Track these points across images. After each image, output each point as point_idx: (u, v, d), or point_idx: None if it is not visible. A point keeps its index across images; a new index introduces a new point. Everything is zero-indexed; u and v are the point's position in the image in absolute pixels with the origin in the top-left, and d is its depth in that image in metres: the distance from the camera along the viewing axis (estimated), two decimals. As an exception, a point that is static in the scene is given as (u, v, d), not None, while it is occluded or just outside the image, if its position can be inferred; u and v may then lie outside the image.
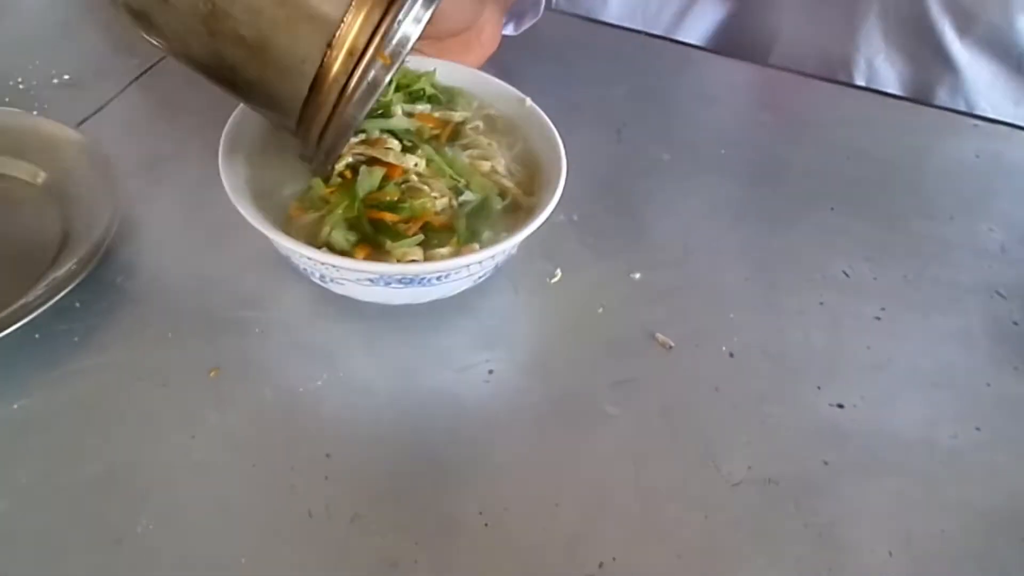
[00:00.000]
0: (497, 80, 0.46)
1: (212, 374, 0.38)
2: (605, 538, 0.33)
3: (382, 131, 0.41)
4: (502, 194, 0.41)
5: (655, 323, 0.42)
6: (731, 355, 0.41)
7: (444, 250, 0.37)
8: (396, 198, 0.38)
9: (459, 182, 0.40)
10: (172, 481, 0.34)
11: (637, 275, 0.44)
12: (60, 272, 0.39)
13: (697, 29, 0.73)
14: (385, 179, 0.38)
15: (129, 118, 0.51)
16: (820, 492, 0.35)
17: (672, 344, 0.41)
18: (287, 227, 0.38)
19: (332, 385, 0.38)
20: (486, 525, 0.33)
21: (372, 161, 0.39)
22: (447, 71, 0.46)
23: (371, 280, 0.36)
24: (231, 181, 0.38)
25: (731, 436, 0.37)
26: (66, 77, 0.53)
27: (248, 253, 0.43)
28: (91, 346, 0.38)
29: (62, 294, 0.37)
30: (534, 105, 0.45)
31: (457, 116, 0.44)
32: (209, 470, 0.34)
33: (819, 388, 0.40)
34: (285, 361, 0.39)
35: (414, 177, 0.39)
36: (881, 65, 0.62)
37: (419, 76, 0.44)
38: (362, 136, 0.40)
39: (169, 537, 0.32)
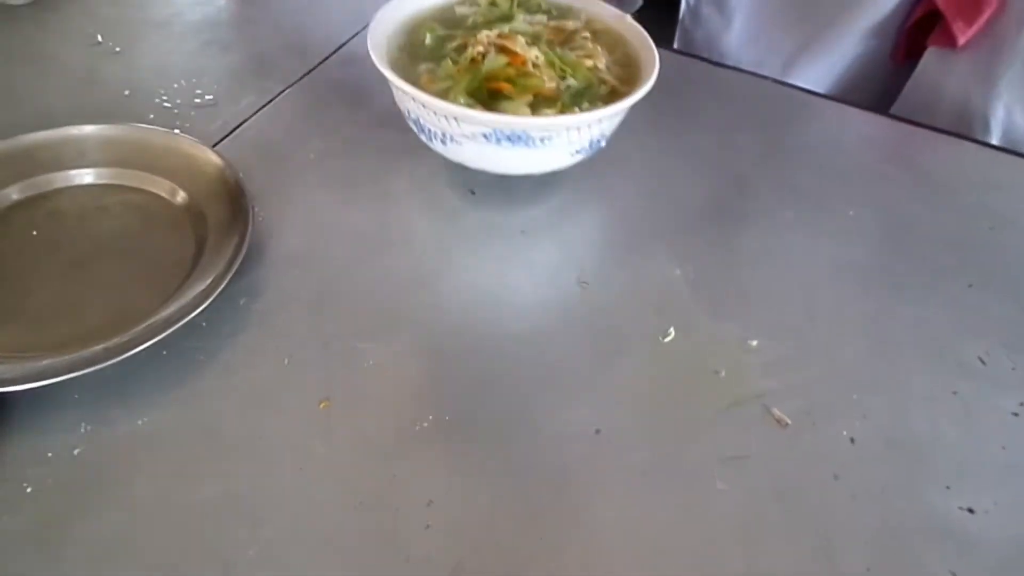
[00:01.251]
0: (598, 1, 0.54)
1: (323, 405, 0.39)
2: (708, 627, 0.32)
3: (511, 30, 0.49)
4: (603, 83, 0.48)
5: (771, 396, 0.40)
6: (852, 440, 0.39)
7: (549, 111, 0.45)
8: (514, 77, 0.46)
9: (566, 72, 0.47)
10: (280, 512, 0.35)
11: (754, 342, 0.43)
12: (192, 292, 0.41)
13: (816, 68, 0.70)
14: (508, 65, 0.46)
15: (263, 140, 0.53)
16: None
17: (789, 421, 0.39)
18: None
19: (437, 427, 0.38)
20: (586, 597, 0.32)
21: (501, 50, 0.47)
22: None
23: (485, 136, 0.43)
24: (377, 51, 0.45)
25: (849, 531, 0.35)
26: (208, 97, 0.56)
27: (368, 285, 0.44)
28: (215, 367, 0.40)
29: (193, 314, 0.39)
30: (633, 21, 0.51)
31: (570, 25, 0.52)
32: (315, 504, 0.35)
33: (948, 488, 0.37)
34: (394, 399, 0.39)
35: (531, 66, 0.47)
36: (1020, 117, 0.58)
37: None
38: (497, 31, 0.49)
39: (275, 569, 0.33)
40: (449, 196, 0.50)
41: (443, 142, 0.46)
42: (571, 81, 0.47)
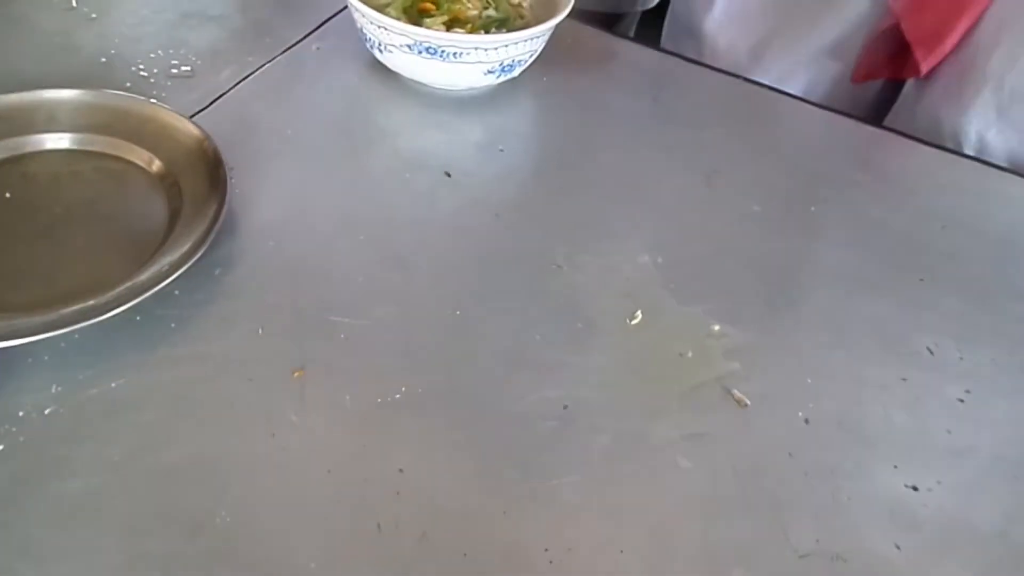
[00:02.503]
0: None
1: (296, 375, 0.39)
2: (666, 592, 0.33)
3: None
4: (521, 18, 0.57)
5: (731, 378, 0.42)
6: (806, 421, 0.40)
7: (461, 31, 0.53)
8: (441, 1, 0.55)
9: (490, 4, 0.56)
10: (251, 477, 0.35)
11: (717, 327, 0.44)
12: (167, 259, 0.41)
13: (785, 62, 0.73)
14: None
15: (241, 113, 0.53)
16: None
17: (748, 402, 0.41)
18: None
19: (410, 399, 0.39)
20: (551, 563, 0.33)
21: None
22: None
23: (409, 47, 0.52)
24: None
25: (802, 505, 0.37)
26: (186, 68, 0.56)
27: (343, 260, 0.45)
28: (186, 334, 0.40)
29: (168, 281, 0.39)
30: None
31: None
32: (286, 470, 0.36)
33: (895, 467, 0.39)
34: (367, 370, 0.40)
35: None
36: (993, 139, 0.61)
37: None
38: None
39: (244, 533, 0.33)
40: (425, 177, 0.51)
41: (380, 50, 0.54)
42: (492, 12, 0.56)
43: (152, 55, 0.56)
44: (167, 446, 0.36)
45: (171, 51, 0.57)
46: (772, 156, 0.58)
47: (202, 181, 0.45)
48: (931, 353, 0.45)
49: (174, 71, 0.55)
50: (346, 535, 0.34)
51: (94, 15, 0.59)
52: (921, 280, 0.49)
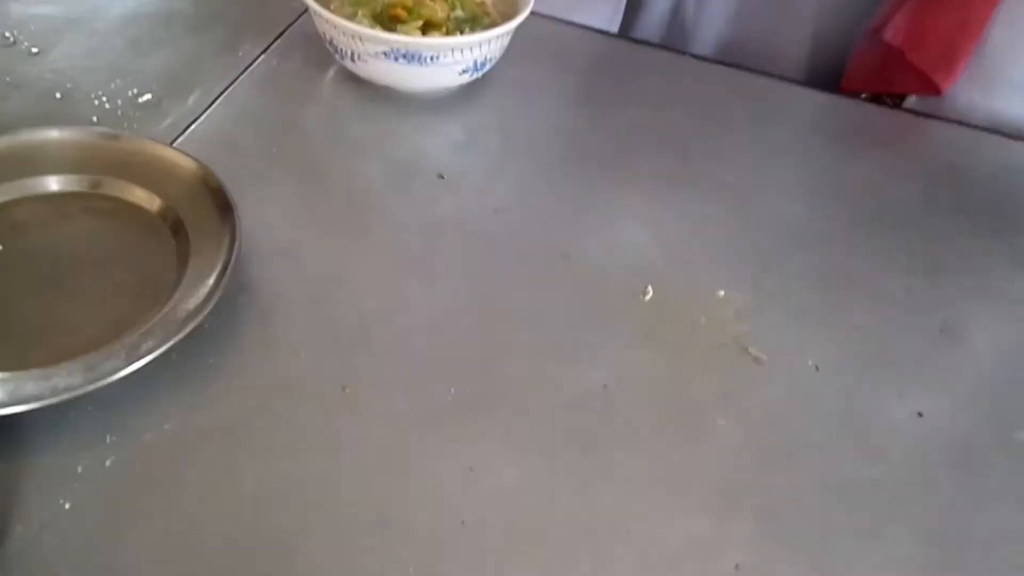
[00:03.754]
0: None
1: (346, 390, 0.40)
2: (739, 539, 0.36)
3: None
4: (486, 15, 0.58)
5: (745, 338, 0.45)
6: (816, 368, 0.44)
7: (436, 34, 0.54)
8: (410, 6, 0.56)
9: (456, 5, 0.57)
10: (328, 494, 0.36)
11: (721, 292, 0.48)
12: (189, 295, 0.41)
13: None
14: None
15: (219, 137, 0.52)
16: (928, 492, 0.39)
17: (764, 358, 0.44)
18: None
19: (461, 398, 0.40)
20: (628, 531, 0.36)
21: None
22: None
23: (384, 53, 0.52)
24: None
25: (828, 442, 0.41)
26: (148, 96, 0.54)
27: (361, 271, 0.45)
28: (225, 367, 0.40)
29: (201, 316, 0.39)
30: None
31: None
32: (361, 482, 0.36)
33: (900, 396, 0.43)
34: (413, 376, 0.41)
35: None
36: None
37: None
38: None
39: (337, 551, 0.34)
40: (419, 181, 0.52)
41: (352, 60, 0.55)
42: (459, 12, 0.57)
43: (111, 85, 0.55)
44: (237, 479, 0.36)
45: (129, 79, 0.55)
46: (737, 129, 0.61)
47: (204, 211, 0.45)
48: (908, 292, 0.50)
49: (139, 100, 0.54)
50: (434, 536, 0.35)
51: (35, 49, 0.57)
52: (882, 231, 0.54)
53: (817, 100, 0.66)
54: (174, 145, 0.51)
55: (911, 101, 0.72)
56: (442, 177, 0.52)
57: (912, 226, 0.54)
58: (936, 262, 0.52)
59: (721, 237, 0.52)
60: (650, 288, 0.47)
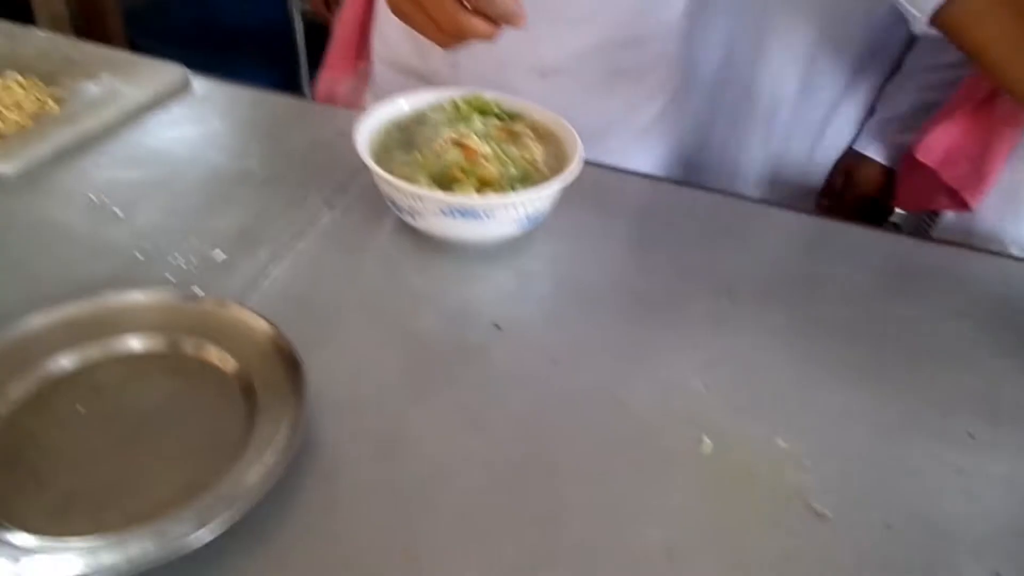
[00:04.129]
0: (541, 108, 0.65)
1: (407, 552, 0.40)
2: None
3: (469, 129, 0.62)
4: (538, 172, 0.60)
5: (807, 491, 0.45)
6: (888, 526, 0.43)
7: (491, 192, 0.57)
8: (466, 167, 0.58)
9: (508, 163, 0.59)
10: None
11: (780, 441, 0.47)
12: (262, 456, 0.42)
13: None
14: (463, 157, 0.59)
15: (286, 294, 0.55)
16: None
17: (828, 514, 0.44)
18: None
19: (524, 560, 0.40)
20: None
21: (458, 145, 0.60)
22: (509, 100, 0.67)
23: (442, 211, 0.56)
24: (362, 146, 0.59)
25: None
26: (221, 254, 0.58)
27: (424, 426, 0.46)
28: (289, 527, 0.41)
29: (266, 487, 0.40)
30: (565, 122, 0.63)
31: (516, 127, 0.64)
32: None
33: (977, 558, 0.42)
34: (474, 535, 0.41)
35: (482, 159, 0.59)
36: None
37: (490, 102, 0.66)
38: (458, 130, 0.61)
39: None
40: (476, 332, 0.54)
41: (411, 216, 0.58)
42: (512, 170, 0.59)
43: (186, 244, 0.58)
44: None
45: (204, 238, 0.59)
46: (782, 267, 0.63)
47: (275, 372, 0.47)
48: (971, 437, 0.49)
49: (211, 259, 0.57)
50: None
51: (121, 212, 0.61)
52: (939, 371, 0.54)
53: (857, 235, 0.67)
54: (245, 303, 0.54)
55: (948, 219, 0.74)
56: (498, 327, 0.54)
57: (968, 366, 0.54)
58: (997, 405, 0.51)
59: (774, 381, 0.52)
60: (707, 438, 0.47)
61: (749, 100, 0.92)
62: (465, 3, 0.52)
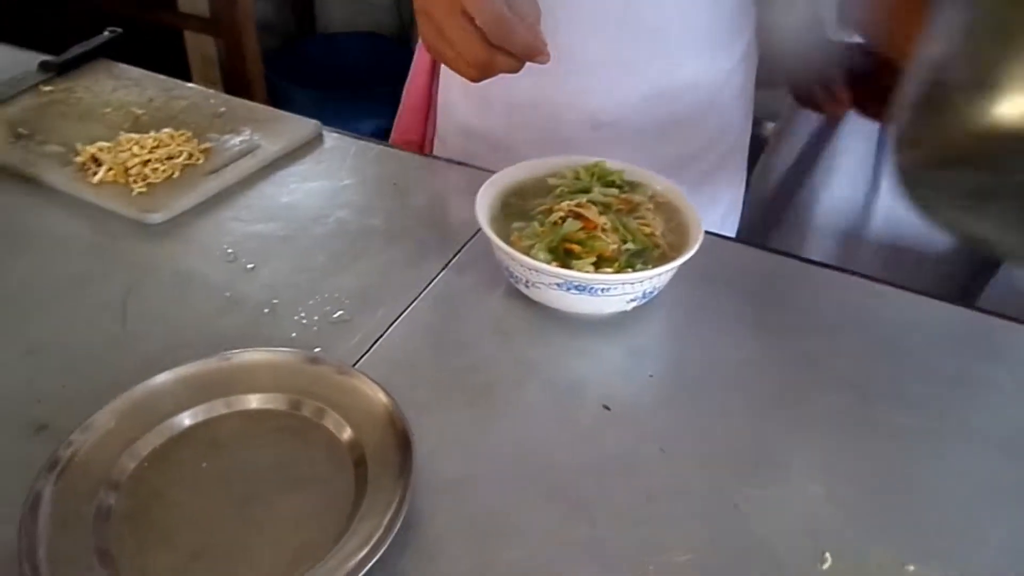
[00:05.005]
0: (662, 177, 0.65)
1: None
2: None
3: (588, 200, 0.61)
4: (656, 247, 0.59)
5: (942, 627, 0.41)
6: (1036, 678, 0.39)
7: (609, 269, 0.56)
8: (584, 239, 0.57)
9: (627, 237, 0.58)
10: None
11: (911, 568, 0.44)
12: (366, 530, 0.42)
13: None
14: (581, 229, 0.58)
15: (398, 357, 0.56)
16: None
17: (967, 657, 0.39)
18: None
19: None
20: None
21: (577, 216, 0.59)
22: (630, 168, 0.66)
23: (557, 285, 0.56)
24: (482, 213, 0.59)
25: None
26: (342, 312, 0.60)
27: (527, 513, 0.46)
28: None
29: (368, 566, 0.40)
30: (684, 195, 0.63)
31: (637, 198, 0.63)
32: None
33: None
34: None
35: (600, 232, 0.58)
36: None
37: (612, 172, 0.65)
38: (576, 200, 0.60)
39: None
40: (585, 412, 0.53)
41: (526, 286, 0.59)
42: (630, 244, 0.58)
43: (311, 301, 0.61)
44: None
45: (327, 295, 0.61)
46: (914, 362, 0.58)
47: (386, 443, 0.47)
48: None
49: (333, 317, 0.59)
50: None
51: (251, 265, 0.64)
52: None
53: (995, 325, 0.62)
54: (359, 364, 0.55)
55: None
56: (608, 408, 0.53)
57: None
58: None
59: (907, 494, 0.48)
60: (828, 555, 0.44)
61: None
62: (489, 40, 0.56)
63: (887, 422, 0.53)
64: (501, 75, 0.58)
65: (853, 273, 0.67)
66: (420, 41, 0.82)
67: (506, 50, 0.57)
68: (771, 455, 0.50)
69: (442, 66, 0.85)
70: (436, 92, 0.90)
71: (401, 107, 0.94)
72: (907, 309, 0.63)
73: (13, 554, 0.40)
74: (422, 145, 0.94)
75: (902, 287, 0.65)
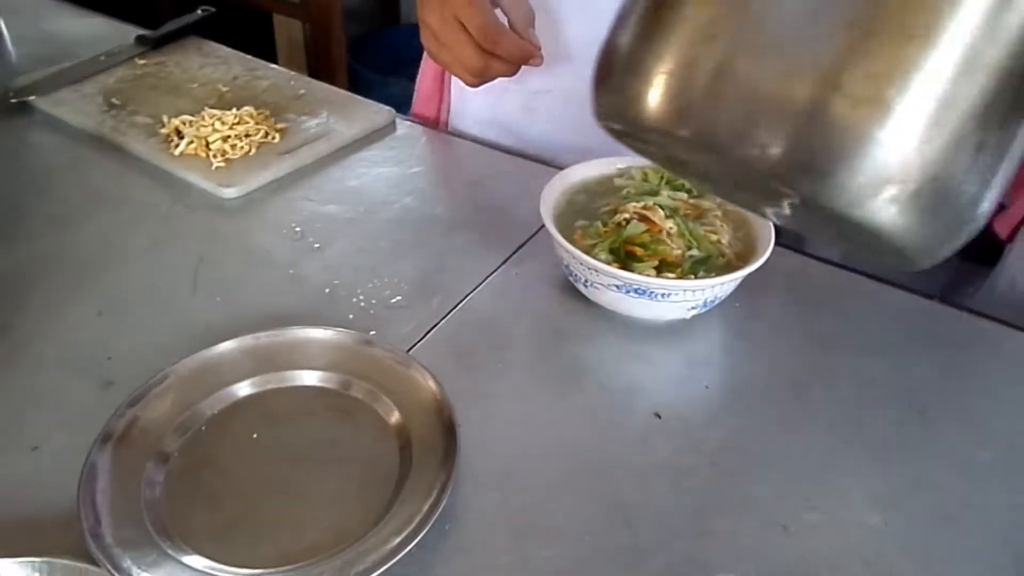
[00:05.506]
0: None
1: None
2: None
3: (655, 203, 0.60)
4: (722, 256, 0.57)
5: None
6: None
7: (671, 274, 0.55)
8: (647, 242, 0.56)
9: (692, 243, 0.57)
10: None
11: (971, 610, 0.41)
12: (402, 517, 0.43)
13: None
14: (646, 232, 0.57)
15: (452, 346, 0.56)
16: None
17: None
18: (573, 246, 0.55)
19: None
20: None
21: (642, 219, 0.58)
22: None
23: (616, 286, 0.54)
24: (546, 208, 0.58)
25: None
26: (399, 298, 0.60)
27: (569, 515, 0.45)
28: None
29: (405, 551, 0.41)
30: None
31: (706, 204, 0.62)
32: None
33: None
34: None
35: (665, 236, 0.57)
36: None
37: None
38: (643, 203, 0.59)
39: None
40: (636, 419, 0.52)
41: (585, 285, 0.57)
42: (695, 251, 0.57)
43: (370, 284, 0.61)
44: None
45: (386, 279, 0.62)
46: (985, 387, 0.55)
47: (433, 430, 0.47)
48: None
49: (391, 301, 0.60)
50: None
51: (317, 244, 0.66)
52: None
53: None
54: (413, 350, 0.56)
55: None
56: (659, 416, 0.52)
57: None
58: None
59: (970, 530, 0.45)
60: (882, 588, 0.42)
61: None
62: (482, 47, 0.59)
63: (952, 449, 0.50)
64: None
65: (934, 298, 0.63)
66: None
67: (499, 55, 0.61)
68: (826, 477, 0.48)
69: None
70: (448, 79, 0.88)
71: (415, 95, 0.93)
72: (992, 339, 0.60)
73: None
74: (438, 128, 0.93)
75: (970, 310, 0.61)
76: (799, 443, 0.51)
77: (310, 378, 0.52)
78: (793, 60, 0.26)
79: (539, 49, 0.62)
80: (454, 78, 0.87)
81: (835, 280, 0.65)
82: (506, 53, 0.61)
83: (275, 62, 0.94)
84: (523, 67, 0.66)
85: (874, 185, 0.26)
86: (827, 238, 0.38)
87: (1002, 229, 0.73)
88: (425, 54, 0.91)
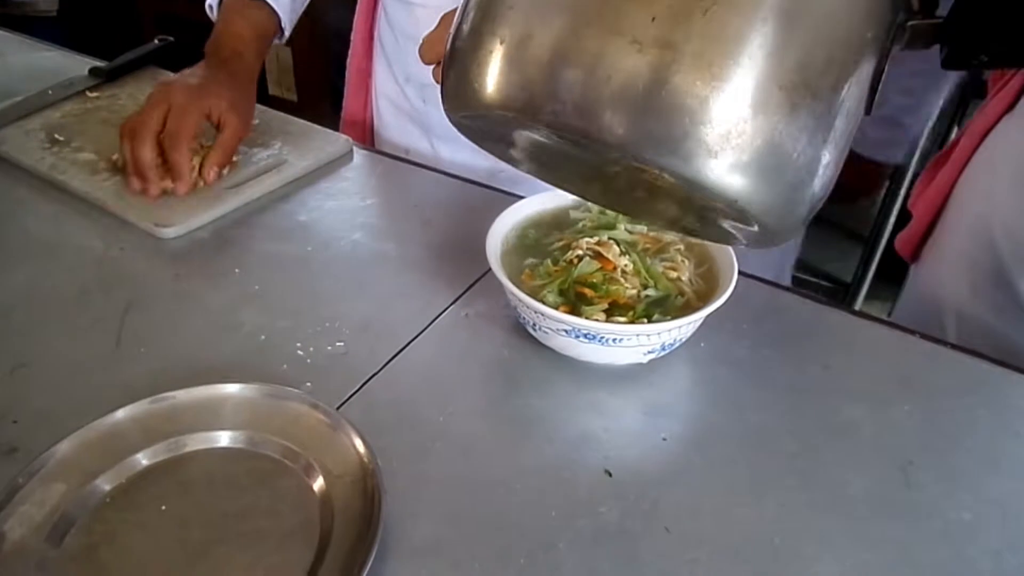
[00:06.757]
0: None
1: None
2: None
3: (610, 237, 0.56)
4: (680, 295, 0.53)
5: None
6: None
7: (622, 318, 0.51)
8: (599, 281, 0.53)
9: (649, 282, 0.53)
10: None
11: None
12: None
13: None
14: (599, 270, 0.53)
15: (391, 397, 0.52)
16: None
17: None
18: (519, 287, 0.51)
19: None
20: None
21: (595, 255, 0.54)
22: None
23: (565, 331, 0.50)
24: (492, 247, 0.55)
25: None
26: (340, 345, 0.56)
27: (504, 573, 0.41)
28: None
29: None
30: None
31: (667, 237, 0.58)
32: None
33: None
34: None
35: (620, 273, 0.53)
36: None
37: None
38: (596, 238, 0.56)
39: None
40: (584, 477, 0.47)
41: (534, 329, 0.53)
42: (651, 290, 0.53)
43: (310, 330, 0.57)
44: None
45: (327, 324, 0.58)
46: (976, 442, 0.50)
47: (357, 498, 0.44)
48: None
49: (329, 348, 0.56)
50: None
51: (256, 287, 0.62)
52: None
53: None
54: (348, 401, 0.52)
55: None
56: (610, 474, 0.47)
57: None
58: None
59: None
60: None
61: None
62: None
63: (938, 513, 0.45)
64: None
65: (915, 333, 0.59)
66: (356, 21, 0.94)
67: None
68: (796, 545, 0.44)
69: (375, 43, 0.94)
70: (373, 70, 0.96)
71: (346, 91, 0.99)
72: (979, 379, 0.55)
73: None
74: (366, 122, 0.98)
75: (964, 349, 0.56)
76: (767, 506, 0.46)
77: (231, 440, 0.48)
78: (583, 18, 0.30)
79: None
80: (377, 103, 0.96)
81: (814, 317, 0.60)
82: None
83: (265, 86, 0.91)
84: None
85: (698, 138, 0.29)
86: (716, 235, 0.41)
87: (903, 249, 0.75)
88: (351, 51, 0.97)
